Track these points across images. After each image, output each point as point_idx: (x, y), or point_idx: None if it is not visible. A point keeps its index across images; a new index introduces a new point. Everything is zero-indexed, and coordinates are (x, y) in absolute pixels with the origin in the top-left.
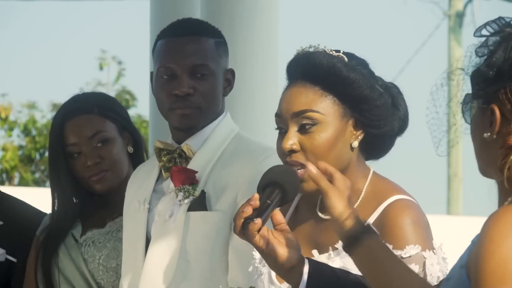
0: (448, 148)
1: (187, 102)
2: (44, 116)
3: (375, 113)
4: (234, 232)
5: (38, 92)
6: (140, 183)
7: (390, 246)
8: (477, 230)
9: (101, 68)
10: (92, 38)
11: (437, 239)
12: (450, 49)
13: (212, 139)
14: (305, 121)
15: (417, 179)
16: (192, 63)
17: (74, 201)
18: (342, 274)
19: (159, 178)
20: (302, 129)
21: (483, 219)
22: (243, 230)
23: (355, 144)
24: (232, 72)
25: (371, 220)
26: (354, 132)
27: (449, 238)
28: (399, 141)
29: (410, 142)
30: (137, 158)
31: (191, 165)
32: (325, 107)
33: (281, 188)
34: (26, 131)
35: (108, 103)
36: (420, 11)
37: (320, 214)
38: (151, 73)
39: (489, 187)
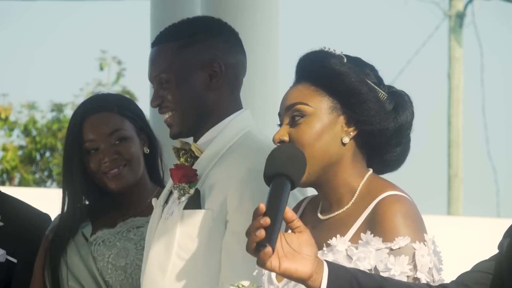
0: (448, 148)
1: (162, 109)
2: (44, 116)
3: (363, 107)
4: (247, 251)
5: (38, 92)
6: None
7: (380, 239)
8: (477, 230)
9: (101, 68)
10: (92, 38)
11: (437, 240)
12: (450, 50)
13: (219, 138)
14: (295, 113)
15: (417, 179)
16: (154, 74)
17: (84, 201)
18: (361, 275)
19: None
20: (292, 121)
21: (483, 220)
22: (256, 253)
23: (346, 140)
24: (218, 64)
25: (363, 216)
26: (346, 129)
27: (449, 238)
28: None
29: (410, 142)
30: (151, 160)
31: (196, 165)
32: (315, 101)
33: (289, 178)
34: (26, 132)
35: (128, 103)
36: (420, 11)
37: (319, 215)
38: None
39: (489, 188)
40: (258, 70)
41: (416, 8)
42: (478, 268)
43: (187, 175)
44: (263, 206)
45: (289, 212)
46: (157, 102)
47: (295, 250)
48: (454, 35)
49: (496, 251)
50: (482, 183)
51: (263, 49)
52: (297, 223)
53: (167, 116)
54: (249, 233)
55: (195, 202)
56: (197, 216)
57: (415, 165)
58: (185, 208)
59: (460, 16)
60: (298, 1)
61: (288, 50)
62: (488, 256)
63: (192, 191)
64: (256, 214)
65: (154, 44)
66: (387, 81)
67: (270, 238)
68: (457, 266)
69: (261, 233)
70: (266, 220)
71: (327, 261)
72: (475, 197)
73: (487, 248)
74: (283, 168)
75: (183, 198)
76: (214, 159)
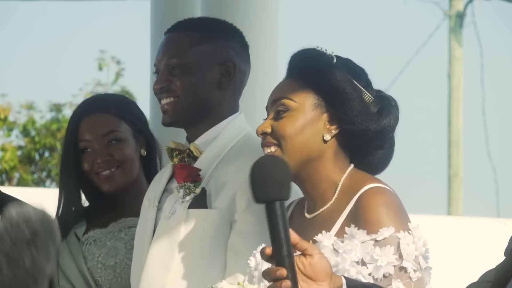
0: (448, 148)
1: (163, 94)
2: (43, 116)
3: (346, 106)
4: None
5: (37, 92)
6: (155, 183)
7: (365, 231)
8: (477, 230)
9: (100, 68)
10: (91, 38)
11: (437, 240)
12: (450, 50)
13: (220, 139)
14: (279, 108)
15: (417, 179)
16: (166, 58)
17: (81, 200)
18: None
19: (172, 178)
20: (277, 115)
21: (483, 220)
22: None
23: (327, 137)
24: (233, 64)
25: (347, 210)
26: (328, 126)
27: (449, 238)
28: (399, 140)
29: (410, 142)
30: (149, 163)
31: (197, 164)
32: (300, 97)
33: (284, 199)
34: (25, 132)
35: (127, 105)
36: (420, 11)
37: (306, 215)
38: None
39: (489, 188)
40: (258, 70)
41: (416, 8)
42: (484, 278)
43: (192, 175)
44: (269, 251)
45: (292, 235)
46: (163, 85)
47: (310, 277)
48: (454, 35)
49: (496, 251)
50: (482, 183)
51: (263, 49)
52: (302, 245)
53: (165, 101)
54: (269, 279)
55: (200, 202)
56: (203, 215)
57: (415, 165)
58: (190, 207)
59: (460, 16)
60: (298, 1)
61: (288, 50)
62: (487, 255)
63: (198, 190)
64: (264, 256)
65: (171, 30)
66: (387, 82)
67: (291, 272)
68: (457, 265)
69: (287, 285)
70: (283, 273)
71: (346, 278)
72: (475, 197)
73: (487, 248)
74: (275, 193)
75: (188, 198)
76: (216, 160)
